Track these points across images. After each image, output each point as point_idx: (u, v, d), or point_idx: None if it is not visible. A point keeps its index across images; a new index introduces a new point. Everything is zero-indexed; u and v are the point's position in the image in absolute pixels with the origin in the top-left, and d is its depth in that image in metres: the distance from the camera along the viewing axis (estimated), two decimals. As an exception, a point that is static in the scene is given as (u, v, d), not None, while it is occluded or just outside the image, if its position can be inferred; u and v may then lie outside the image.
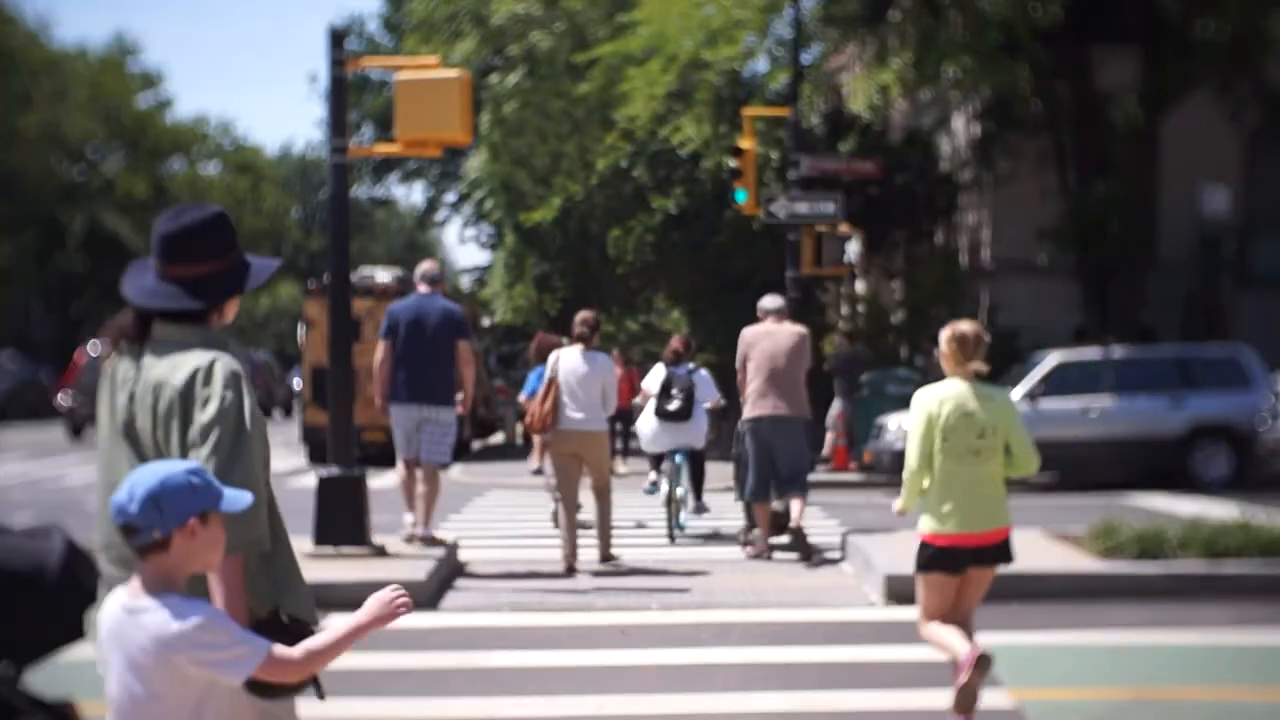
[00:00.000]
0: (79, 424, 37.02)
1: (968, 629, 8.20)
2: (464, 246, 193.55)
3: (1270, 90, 26.56)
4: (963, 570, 8.18)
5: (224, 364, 4.25)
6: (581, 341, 13.85)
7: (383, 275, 30.02)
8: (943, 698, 8.82)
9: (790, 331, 14.09)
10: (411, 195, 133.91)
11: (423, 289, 13.89)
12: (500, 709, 8.63)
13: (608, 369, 14.04)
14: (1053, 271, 29.48)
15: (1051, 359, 22.53)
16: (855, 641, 10.25)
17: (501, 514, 19.75)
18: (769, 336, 14.04)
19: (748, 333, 14.24)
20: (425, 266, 14.36)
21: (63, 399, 38.36)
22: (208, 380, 4.22)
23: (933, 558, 8.15)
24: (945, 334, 8.33)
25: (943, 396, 8.17)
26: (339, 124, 14.10)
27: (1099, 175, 26.38)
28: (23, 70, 57.46)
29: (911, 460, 8.13)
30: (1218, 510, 15.42)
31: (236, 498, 3.92)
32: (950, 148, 33.50)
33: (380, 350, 13.65)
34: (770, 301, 14.51)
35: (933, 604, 8.20)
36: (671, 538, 16.02)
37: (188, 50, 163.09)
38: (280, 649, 3.89)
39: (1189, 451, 21.82)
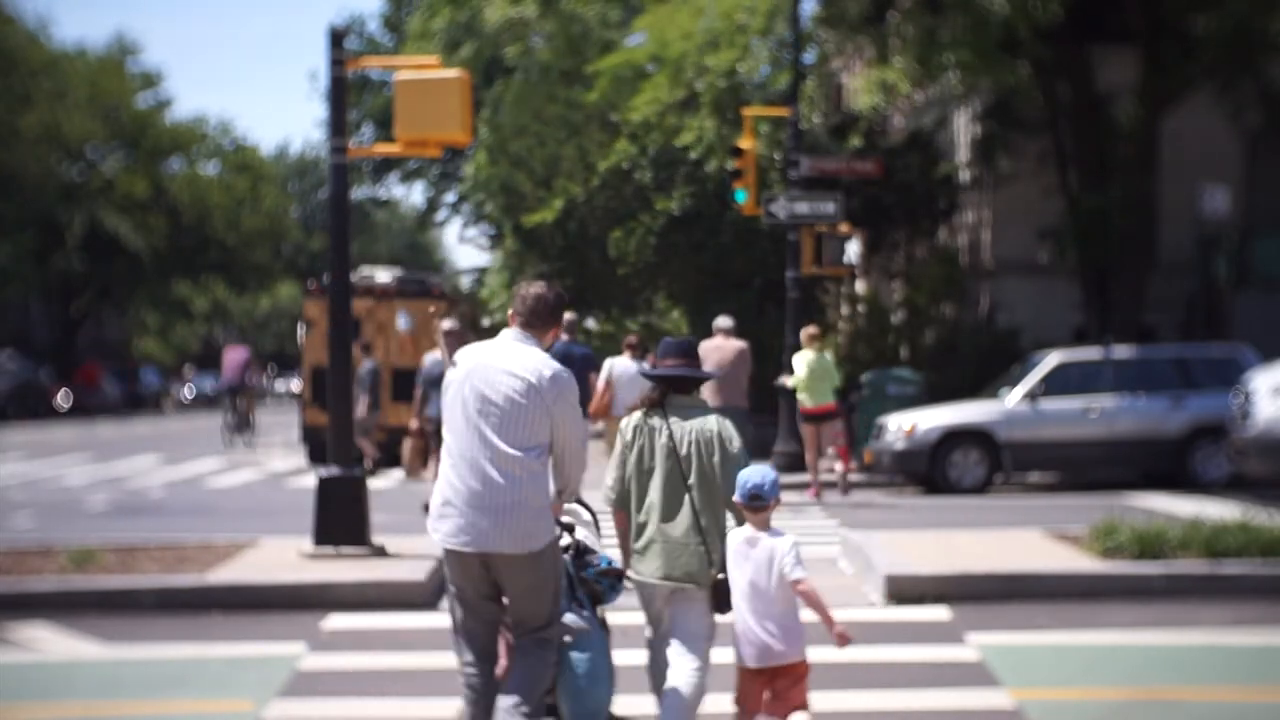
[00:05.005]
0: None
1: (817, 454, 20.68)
2: (463, 246, 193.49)
3: (1270, 90, 26.51)
4: (817, 424, 20.46)
5: (726, 422, 7.44)
6: (630, 349, 18.35)
7: (383, 275, 30.01)
8: (943, 698, 8.83)
9: (735, 346, 19.17)
10: (411, 195, 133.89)
11: (564, 336, 16.28)
12: (500, 709, 8.62)
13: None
14: (1053, 271, 29.47)
15: (1051, 359, 22.52)
16: (855, 641, 10.21)
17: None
18: (719, 350, 18.85)
19: (703, 345, 17.48)
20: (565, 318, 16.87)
21: (63, 399, 38.10)
22: (726, 430, 7.35)
23: (801, 417, 20.73)
24: (803, 331, 21.05)
25: (806, 356, 20.42)
26: (339, 124, 14.10)
27: (1099, 175, 26.35)
28: (22, 70, 57.32)
29: (795, 381, 20.51)
30: (1218, 510, 15.40)
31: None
32: (951, 148, 33.50)
33: None
34: (723, 321, 19.48)
35: (806, 439, 20.92)
36: None
37: (188, 50, 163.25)
38: None
39: (1189, 451, 21.80)
